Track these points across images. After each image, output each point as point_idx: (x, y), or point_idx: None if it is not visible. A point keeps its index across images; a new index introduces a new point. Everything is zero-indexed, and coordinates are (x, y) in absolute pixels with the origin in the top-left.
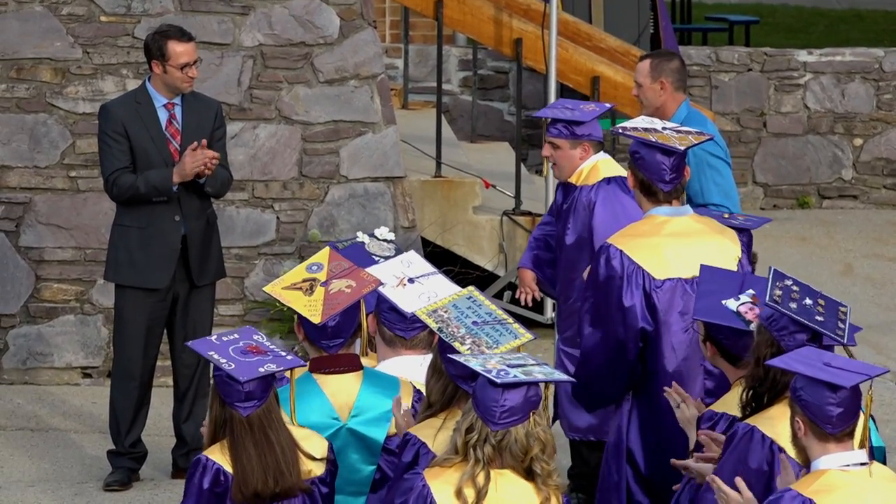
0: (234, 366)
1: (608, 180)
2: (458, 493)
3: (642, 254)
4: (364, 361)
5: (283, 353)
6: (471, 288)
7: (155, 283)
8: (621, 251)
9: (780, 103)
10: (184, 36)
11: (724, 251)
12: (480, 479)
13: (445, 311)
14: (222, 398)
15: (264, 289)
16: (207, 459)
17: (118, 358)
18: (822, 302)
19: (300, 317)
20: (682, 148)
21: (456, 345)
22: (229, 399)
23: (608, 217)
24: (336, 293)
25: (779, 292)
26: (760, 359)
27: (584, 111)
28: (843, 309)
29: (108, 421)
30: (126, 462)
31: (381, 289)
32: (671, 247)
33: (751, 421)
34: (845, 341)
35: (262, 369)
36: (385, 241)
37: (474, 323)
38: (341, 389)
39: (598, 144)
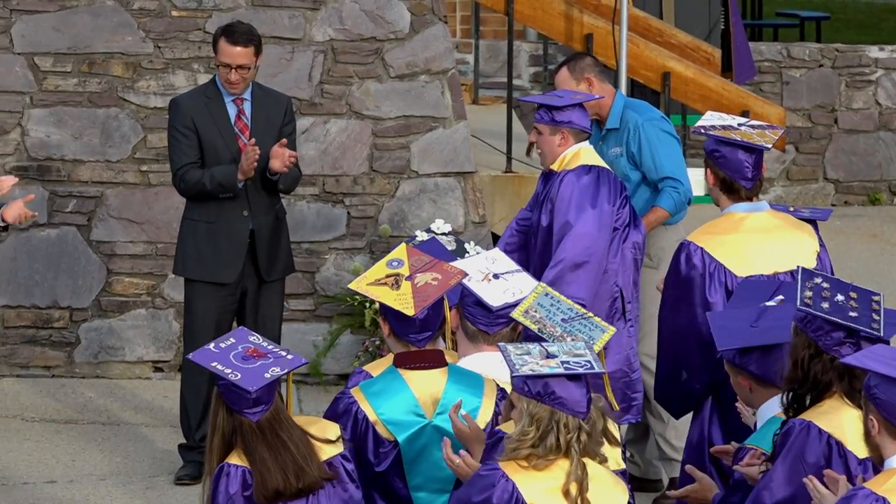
0: (240, 375)
1: (587, 168)
2: (566, 494)
3: (723, 251)
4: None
5: (283, 353)
6: (542, 284)
7: (223, 277)
8: (702, 249)
9: (851, 99)
10: (237, 37)
11: (803, 246)
12: (580, 471)
13: (535, 311)
14: (229, 406)
15: (349, 285)
16: (229, 465)
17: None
18: (853, 295)
19: (387, 311)
20: (768, 145)
21: None
22: (237, 407)
23: (563, 199)
24: (423, 286)
25: (809, 293)
26: (798, 361)
27: (567, 98)
28: (875, 298)
29: (179, 415)
30: (197, 456)
31: (467, 283)
32: (752, 243)
33: (804, 416)
34: (882, 334)
35: (267, 374)
36: (443, 234)
37: (563, 320)
38: (427, 385)
39: (579, 133)
